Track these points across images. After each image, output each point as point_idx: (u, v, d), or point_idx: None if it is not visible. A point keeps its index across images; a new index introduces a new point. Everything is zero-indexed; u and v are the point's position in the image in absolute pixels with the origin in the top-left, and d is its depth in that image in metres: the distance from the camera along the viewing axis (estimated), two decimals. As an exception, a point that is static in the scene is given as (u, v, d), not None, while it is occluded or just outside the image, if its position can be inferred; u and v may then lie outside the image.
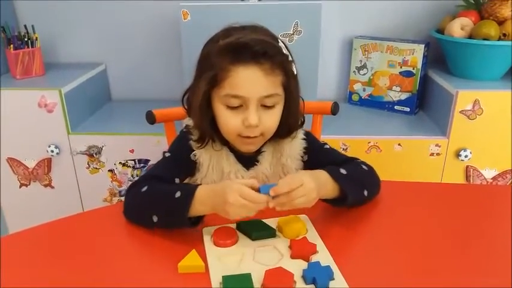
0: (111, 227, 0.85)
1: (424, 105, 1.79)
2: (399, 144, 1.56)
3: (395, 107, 1.77)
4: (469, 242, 0.80)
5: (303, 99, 0.94)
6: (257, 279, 0.68)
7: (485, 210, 0.92)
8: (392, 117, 1.74)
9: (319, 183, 0.78)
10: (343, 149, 1.57)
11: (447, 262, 0.73)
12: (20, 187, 1.74)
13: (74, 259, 0.76)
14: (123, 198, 0.88)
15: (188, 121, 0.95)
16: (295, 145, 0.97)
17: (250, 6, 1.48)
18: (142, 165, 1.66)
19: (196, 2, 1.47)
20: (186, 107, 0.94)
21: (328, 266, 0.70)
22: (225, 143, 0.93)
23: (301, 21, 1.46)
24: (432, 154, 1.57)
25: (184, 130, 0.96)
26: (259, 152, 0.95)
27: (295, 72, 0.88)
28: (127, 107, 1.91)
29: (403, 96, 1.74)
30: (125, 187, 1.70)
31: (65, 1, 1.84)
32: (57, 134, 1.63)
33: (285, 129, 0.92)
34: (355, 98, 1.86)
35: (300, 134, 0.97)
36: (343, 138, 1.57)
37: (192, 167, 0.94)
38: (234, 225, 0.81)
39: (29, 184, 1.73)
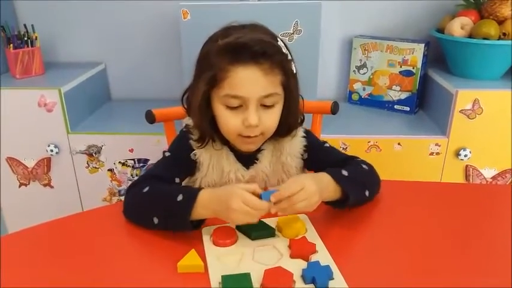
0: (111, 227, 0.85)
1: (424, 104, 1.78)
2: (399, 144, 1.56)
3: (395, 107, 1.77)
4: (469, 242, 0.80)
5: (302, 98, 0.94)
6: (256, 279, 0.67)
7: (484, 209, 0.92)
8: (392, 117, 1.74)
9: (321, 186, 0.78)
10: (343, 148, 1.57)
11: (447, 262, 0.73)
12: (20, 187, 1.74)
13: (73, 259, 0.75)
14: (122, 198, 0.88)
15: (188, 121, 0.95)
16: (295, 143, 0.97)
17: (250, 6, 1.48)
18: (141, 164, 1.66)
19: (196, 2, 1.47)
20: (185, 106, 0.94)
21: (328, 265, 0.70)
22: (225, 142, 0.93)
23: (301, 21, 1.46)
24: (432, 153, 1.57)
25: (184, 130, 0.96)
26: (259, 150, 0.95)
27: (294, 71, 0.88)
28: (126, 106, 1.91)
29: (403, 95, 1.74)
30: (124, 186, 1.70)
31: (65, 1, 1.84)
32: (56, 134, 1.63)
33: (285, 128, 0.92)
34: (355, 97, 1.86)
35: (300, 132, 0.97)
36: (343, 138, 1.57)
37: (192, 167, 0.94)
38: (233, 225, 0.81)
39: (29, 184, 1.73)
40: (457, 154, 1.55)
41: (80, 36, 1.91)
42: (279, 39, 0.87)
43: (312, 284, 0.67)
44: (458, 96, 1.49)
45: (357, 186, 0.85)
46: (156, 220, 0.79)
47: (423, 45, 1.65)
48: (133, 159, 1.66)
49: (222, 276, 0.68)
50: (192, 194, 0.78)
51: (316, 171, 0.98)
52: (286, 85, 0.86)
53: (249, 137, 0.87)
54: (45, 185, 1.73)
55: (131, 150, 1.64)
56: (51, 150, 1.64)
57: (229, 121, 0.86)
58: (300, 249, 0.74)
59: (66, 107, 1.59)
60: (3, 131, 1.63)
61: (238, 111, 0.85)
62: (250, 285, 0.66)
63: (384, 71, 1.75)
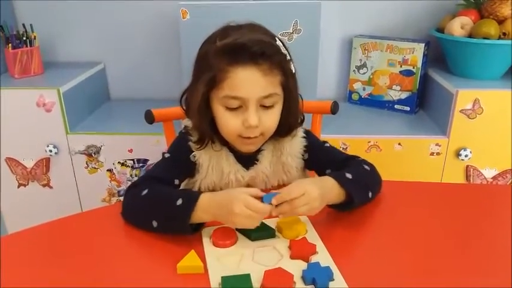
0: (110, 227, 0.84)
1: (424, 104, 1.78)
2: (399, 144, 1.56)
3: (395, 106, 1.77)
4: (469, 242, 0.80)
5: (301, 98, 0.93)
6: (256, 280, 0.67)
7: (485, 210, 0.91)
8: (392, 117, 1.74)
9: (324, 191, 0.78)
10: (343, 148, 1.57)
11: (447, 262, 0.73)
12: (19, 187, 1.74)
13: (72, 259, 0.75)
14: (122, 198, 0.88)
15: (187, 122, 0.95)
16: (295, 143, 0.96)
17: (250, 5, 1.48)
18: (141, 165, 1.66)
19: (196, 1, 1.47)
20: (184, 107, 0.94)
21: (328, 266, 0.69)
22: (225, 143, 0.93)
23: (300, 20, 1.45)
24: (432, 153, 1.57)
25: (183, 131, 0.96)
26: (259, 151, 0.95)
27: (293, 71, 0.88)
28: (126, 106, 1.91)
29: (403, 95, 1.74)
30: (123, 187, 1.70)
31: (64, 0, 1.83)
32: (55, 134, 1.62)
33: (285, 128, 0.92)
34: (355, 97, 1.85)
35: (300, 133, 0.97)
36: (343, 138, 1.57)
37: (191, 168, 0.94)
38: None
39: (27, 184, 1.73)
40: (458, 154, 1.55)
41: (79, 35, 1.90)
42: (277, 39, 0.86)
43: (312, 285, 0.67)
44: (459, 96, 1.49)
45: (361, 189, 0.85)
46: (155, 223, 0.79)
47: (423, 44, 1.64)
48: (133, 160, 1.65)
49: (221, 277, 0.68)
50: (191, 198, 0.77)
51: (316, 171, 0.99)
52: (286, 85, 0.86)
53: (249, 138, 0.86)
54: (44, 186, 1.72)
55: (130, 151, 1.64)
56: (50, 151, 1.63)
57: (229, 122, 0.85)
58: (300, 250, 0.74)
59: (65, 107, 1.59)
60: (2, 131, 1.63)
61: (238, 112, 0.84)
62: (250, 286, 0.66)
63: (384, 71, 1.74)
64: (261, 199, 0.75)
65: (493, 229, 0.85)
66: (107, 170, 1.67)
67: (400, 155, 1.57)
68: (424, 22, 1.79)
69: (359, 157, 0.96)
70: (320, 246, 0.76)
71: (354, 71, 1.82)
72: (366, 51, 1.76)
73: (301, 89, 0.92)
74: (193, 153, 0.92)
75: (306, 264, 0.71)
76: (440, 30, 1.65)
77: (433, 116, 1.70)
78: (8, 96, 1.59)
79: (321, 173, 0.96)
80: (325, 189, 0.79)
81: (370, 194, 0.88)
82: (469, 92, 1.49)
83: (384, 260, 0.74)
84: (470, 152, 1.54)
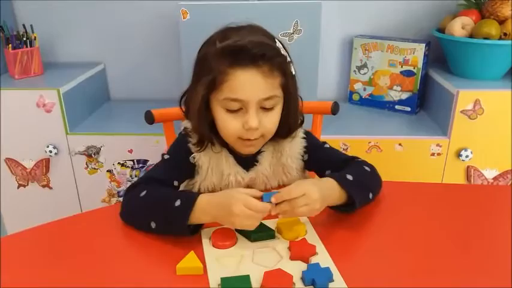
0: (110, 228, 0.84)
1: (425, 104, 1.78)
2: (400, 144, 1.56)
3: (396, 107, 1.77)
4: (470, 243, 0.79)
5: (301, 99, 0.93)
6: (256, 281, 0.67)
7: (486, 210, 0.91)
8: (393, 117, 1.73)
9: (325, 193, 0.78)
10: (344, 149, 1.57)
11: (447, 263, 0.73)
12: (18, 188, 1.73)
13: (72, 260, 0.75)
14: (121, 199, 0.88)
15: (186, 123, 0.94)
16: (295, 144, 0.96)
17: (250, 6, 1.48)
18: (141, 165, 1.65)
19: (196, 1, 1.47)
20: (183, 109, 0.93)
21: (328, 267, 0.69)
22: (224, 144, 0.92)
23: (301, 21, 1.45)
24: (433, 154, 1.56)
25: (182, 133, 0.95)
26: (258, 152, 0.95)
27: (293, 73, 0.87)
28: (126, 107, 1.91)
29: (404, 95, 1.73)
30: (123, 187, 1.70)
31: (64, 1, 1.83)
32: (55, 134, 1.62)
33: (284, 130, 0.92)
34: (355, 97, 1.85)
35: (300, 134, 0.97)
36: (344, 138, 1.56)
37: (191, 170, 0.94)
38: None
39: (27, 185, 1.73)
40: (458, 155, 1.54)
41: (79, 36, 1.90)
42: (277, 41, 0.86)
43: (312, 286, 0.66)
44: (459, 97, 1.48)
45: (362, 191, 0.85)
46: (153, 224, 0.79)
47: (424, 45, 1.64)
48: (133, 160, 1.65)
49: (221, 278, 0.67)
50: (190, 199, 0.77)
51: (316, 172, 0.98)
52: (286, 87, 0.86)
53: (249, 139, 0.86)
54: (43, 186, 1.72)
55: (130, 151, 1.63)
56: (50, 151, 1.63)
57: (229, 124, 0.85)
58: (299, 251, 0.74)
59: (65, 107, 1.59)
60: (1, 131, 1.63)
61: (238, 114, 0.84)
62: (249, 287, 0.66)
63: (385, 71, 1.74)
64: (260, 199, 0.74)
65: (494, 230, 0.84)
66: (107, 171, 1.67)
67: (401, 155, 1.56)
68: (424, 22, 1.79)
69: (359, 158, 0.96)
70: (320, 247, 0.75)
71: (354, 71, 1.81)
72: (367, 52, 1.75)
73: (302, 90, 0.91)
74: (192, 155, 0.92)
75: (306, 265, 0.70)
76: (441, 30, 1.65)
77: (433, 116, 1.70)
78: (8, 97, 1.59)
79: (320, 173, 0.96)
80: (326, 190, 0.79)
81: (370, 195, 0.88)
82: (469, 93, 1.48)
83: (384, 261, 0.74)
84: (471, 153, 1.54)
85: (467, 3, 1.63)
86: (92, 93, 1.85)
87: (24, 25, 1.72)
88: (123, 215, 0.84)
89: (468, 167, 1.57)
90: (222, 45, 0.81)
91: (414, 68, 1.68)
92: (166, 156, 0.93)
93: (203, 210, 0.76)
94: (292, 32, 1.46)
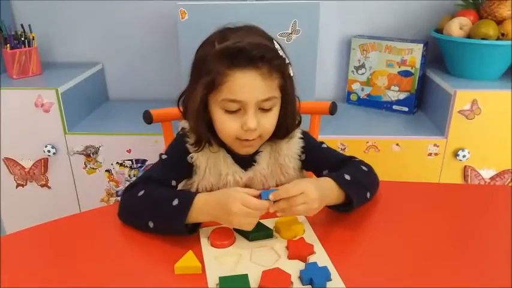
0: (108, 228, 0.84)
1: (423, 105, 1.78)
2: (397, 144, 1.56)
3: (394, 107, 1.77)
4: (467, 243, 0.80)
5: (299, 99, 0.93)
6: (254, 280, 0.67)
7: (483, 210, 0.91)
8: (391, 117, 1.74)
9: (323, 193, 0.78)
10: (341, 149, 1.57)
11: (445, 262, 0.73)
12: (17, 187, 1.73)
13: (70, 259, 0.75)
14: (120, 199, 0.88)
15: (184, 124, 0.94)
16: (293, 144, 0.96)
17: (249, 6, 1.48)
18: (139, 165, 1.65)
19: (194, 1, 1.47)
20: (181, 109, 0.94)
21: (326, 266, 0.69)
22: (222, 144, 0.93)
23: (299, 21, 1.45)
24: (430, 154, 1.57)
25: (180, 133, 0.95)
26: (256, 152, 0.95)
27: (291, 74, 0.88)
28: (124, 106, 1.91)
29: (402, 96, 1.74)
30: (122, 187, 1.70)
31: (62, 0, 1.83)
32: (53, 134, 1.62)
33: (282, 130, 0.92)
34: (353, 97, 1.85)
35: (297, 134, 0.97)
36: (341, 138, 1.57)
37: (189, 170, 0.94)
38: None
39: (26, 184, 1.73)
40: (456, 155, 1.55)
41: (77, 36, 1.90)
42: (275, 42, 0.86)
43: (310, 285, 0.67)
44: (457, 97, 1.49)
45: (359, 190, 0.85)
46: (151, 224, 0.79)
47: (422, 45, 1.64)
48: (131, 160, 1.65)
49: (219, 277, 0.68)
50: (187, 198, 0.77)
51: (314, 171, 0.99)
52: (284, 88, 0.86)
53: (247, 140, 0.86)
54: (42, 186, 1.72)
55: (129, 151, 1.64)
56: (49, 151, 1.63)
57: (227, 125, 0.85)
58: (297, 250, 0.74)
59: (63, 107, 1.59)
60: (0, 131, 1.63)
61: (237, 115, 0.84)
62: (247, 287, 0.66)
63: (383, 71, 1.74)
64: (258, 198, 0.74)
65: (491, 229, 0.85)
66: (105, 171, 1.67)
67: (398, 155, 1.57)
68: (422, 23, 1.79)
69: (356, 158, 0.96)
70: (318, 246, 0.76)
71: (352, 71, 1.82)
72: (365, 52, 1.76)
73: (300, 90, 0.92)
74: (190, 155, 0.92)
75: (304, 264, 0.71)
76: (439, 30, 1.66)
77: (431, 116, 1.70)
78: (6, 97, 1.59)
79: (318, 173, 0.96)
80: (324, 190, 0.79)
81: (368, 195, 0.88)
82: (467, 93, 1.49)
83: (382, 260, 0.74)
84: (468, 153, 1.54)
85: (465, 3, 1.63)
86: (91, 93, 1.85)
87: (22, 25, 1.72)
88: (121, 214, 0.85)
89: (465, 166, 1.58)
90: (221, 47, 0.81)
91: (412, 68, 1.68)
92: (164, 156, 0.93)
93: (201, 209, 0.76)
94: (290, 32, 1.47)
